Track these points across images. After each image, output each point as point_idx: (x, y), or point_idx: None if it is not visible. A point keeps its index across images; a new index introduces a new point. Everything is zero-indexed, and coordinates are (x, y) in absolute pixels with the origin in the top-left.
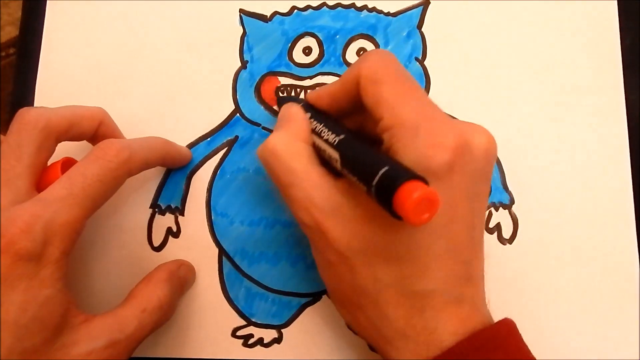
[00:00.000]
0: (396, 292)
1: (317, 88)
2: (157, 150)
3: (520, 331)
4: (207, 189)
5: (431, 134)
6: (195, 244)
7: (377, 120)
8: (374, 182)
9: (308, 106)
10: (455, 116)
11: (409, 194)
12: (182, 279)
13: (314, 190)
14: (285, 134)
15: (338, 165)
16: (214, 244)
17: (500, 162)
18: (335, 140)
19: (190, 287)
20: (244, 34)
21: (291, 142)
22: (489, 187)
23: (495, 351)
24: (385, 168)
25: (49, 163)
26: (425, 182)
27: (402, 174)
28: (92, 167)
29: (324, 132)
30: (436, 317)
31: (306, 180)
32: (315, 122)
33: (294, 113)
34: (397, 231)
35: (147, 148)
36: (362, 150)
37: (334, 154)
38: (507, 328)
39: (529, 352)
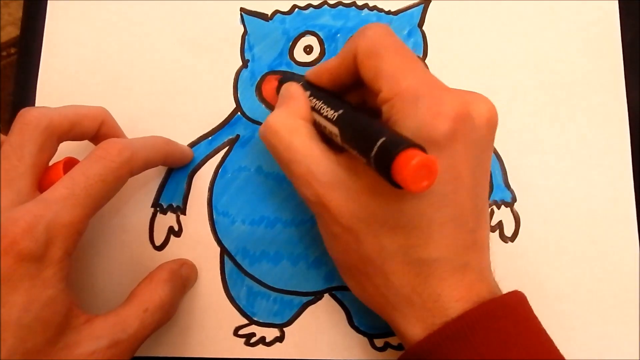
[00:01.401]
0: (401, 260)
1: (316, 65)
2: (158, 149)
3: None
4: (209, 188)
5: (431, 103)
6: (197, 243)
7: (376, 93)
8: (372, 153)
9: (308, 84)
10: None
11: (407, 162)
12: (183, 278)
13: (315, 165)
14: (284, 112)
15: (338, 140)
16: (215, 243)
17: (502, 159)
18: (334, 116)
19: (192, 286)
20: (245, 33)
21: (291, 120)
22: (491, 156)
23: (504, 319)
24: (383, 138)
25: (50, 163)
26: (423, 149)
27: (399, 143)
28: (94, 166)
29: (323, 109)
30: (441, 285)
31: (307, 156)
32: (314, 100)
33: (293, 91)
34: (400, 201)
35: (148, 147)
36: (360, 123)
37: (334, 129)
38: (517, 298)
39: (539, 323)
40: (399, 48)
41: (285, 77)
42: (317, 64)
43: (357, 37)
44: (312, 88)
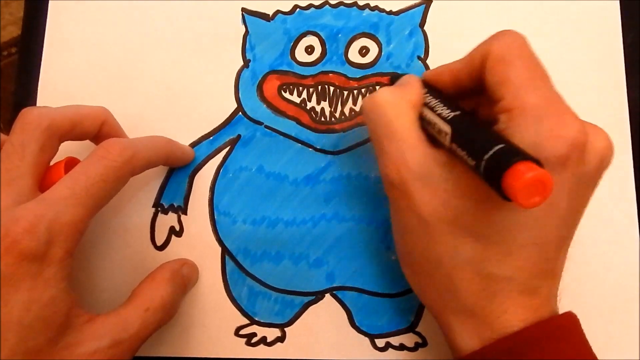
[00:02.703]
0: (472, 270)
1: (436, 67)
2: (160, 149)
3: None
4: (210, 188)
5: (552, 124)
6: (198, 243)
7: (496, 100)
8: (486, 157)
9: (425, 83)
10: None
11: (521, 174)
12: (185, 278)
13: (410, 151)
14: (396, 92)
15: (447, 139)
16: (216, 243)
17: None
18: (449, 115)
19: (193, 286)
20: (247, 32)
21: (399, 101)
22: (593, 193)
23: (560, 340)
24: (500, 145)
25: (51, 163)
26: (540, 164)
27: (516, 153)
28: (95, 166)
29: (438, 107)
30: (506, 303)
31: (405, 139)
32: (430, 97)
33: (413, 81)
34: (489, 211)
35: (150, 147)
36: (475, 127)
37: (445, 127)
38: (572, 320)
39: (589, 346)
40: (532, 59)
41: (396, 75)
42: (438, 66)
43: (491, 40)
44: (429, 87)
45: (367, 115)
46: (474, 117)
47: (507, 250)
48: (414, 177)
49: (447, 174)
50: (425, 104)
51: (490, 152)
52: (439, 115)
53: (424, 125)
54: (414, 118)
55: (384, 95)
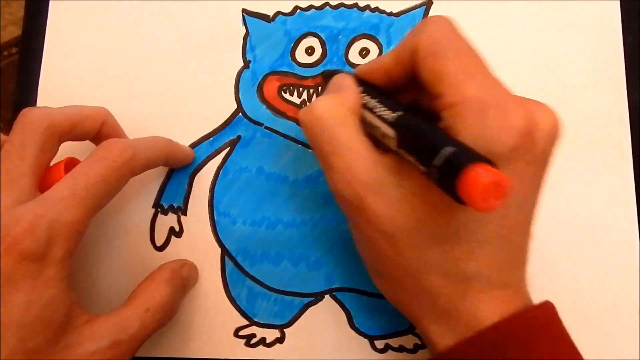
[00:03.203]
0: (441, 273)
1: (368, 61)
2: (160, 149)
3: None
4: (210, 189)
5: (497, 116)
6: (198, 244)
7: (435, 96)
8: (437, 164)
9: (359, 80)
10: None
11: (476, 179)
12: (184, 279)
13: (359, 162)
14: (332, 99)
15: (392, 143)
16: (216, 244)
17: None
18: (391, 117)
19: (193, 286)
20: (247, 33)
21: (338, 108)
22: (546, 172)
23: (537, 330)
24: (450, 148)
25: (52, 163)
26: (493, 164)
27: (468, 156)
28: (95, 166)
29: (378, 108)
30: (479, 299)
31: (351, 151)
32: (367, 97)
33: (346, 83)
34: (447, 212)
35: (150, 148)
36: (421, 129)
37: (389, 131)
38: (548, 309)
39: (567, 334)
40: (464, 47)
41: (328, 72)
42: (369, 60)
43: (417, 32)
44: (364, 84)
45: (308, 131)
46: (417, 116)
47: (471, 248)
48: (367, 190)
49: (399, 180)
50: (364, 106)
51: (441, 157)
52: (381, 117)
53: (367, 129)
54: (356, 125)
55: (321, 106)
